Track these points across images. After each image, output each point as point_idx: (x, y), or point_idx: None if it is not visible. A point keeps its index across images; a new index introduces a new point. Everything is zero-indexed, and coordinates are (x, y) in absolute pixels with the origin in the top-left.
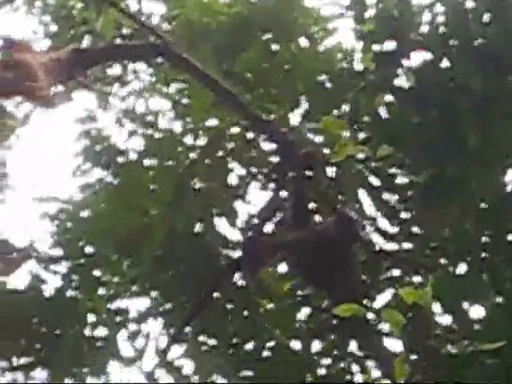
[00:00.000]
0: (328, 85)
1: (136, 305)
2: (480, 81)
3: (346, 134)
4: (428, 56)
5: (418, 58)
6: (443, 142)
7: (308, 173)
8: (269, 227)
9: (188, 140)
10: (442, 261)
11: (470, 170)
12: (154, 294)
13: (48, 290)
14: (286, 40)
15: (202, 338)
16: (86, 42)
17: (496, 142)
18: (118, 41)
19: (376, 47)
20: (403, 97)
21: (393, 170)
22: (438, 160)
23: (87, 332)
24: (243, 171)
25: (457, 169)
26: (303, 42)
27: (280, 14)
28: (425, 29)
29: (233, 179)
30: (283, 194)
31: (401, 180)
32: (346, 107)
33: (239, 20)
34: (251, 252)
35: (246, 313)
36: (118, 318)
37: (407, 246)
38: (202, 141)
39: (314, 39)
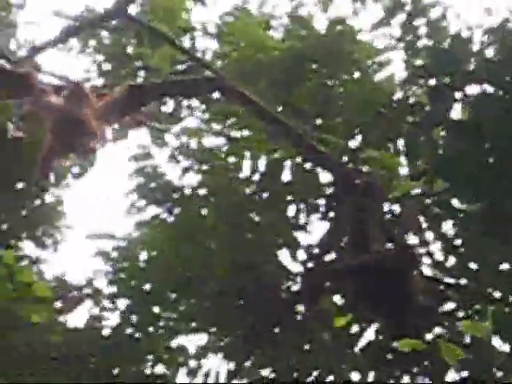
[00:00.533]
0: (383, 116)
1: (195, 341)
2: None
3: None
4: (482, 88)
5: (472, 90)
6: (501, 176)
7: (366, 202)
8: (329, 257)
9: (245, 173)
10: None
11: None
12: (213, 329)
13: (106, 328)
14: (340, 73)
15: (262, 373)
16: (139, 79)
17: None
18: (173, 77)
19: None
20: (459, 130)
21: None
22: (495, 194)
23: (147, 370)
24: (302, 203)
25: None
26: (357, 74)
27: (332, 47)
28: (477, 60)
29: (292, 211)
30: (342, 223)
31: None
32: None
33: (292, 55)
34: (311, 282)
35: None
36: (178, 356)
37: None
38: (258, 174)
39: (367, 72)
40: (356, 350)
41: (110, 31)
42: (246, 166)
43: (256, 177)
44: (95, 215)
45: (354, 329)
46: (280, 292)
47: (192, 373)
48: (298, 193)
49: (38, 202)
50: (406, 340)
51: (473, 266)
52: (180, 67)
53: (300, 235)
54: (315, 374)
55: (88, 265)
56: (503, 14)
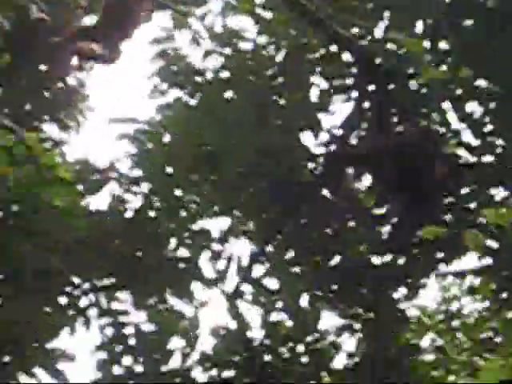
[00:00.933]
0: None
1: (218, 225)
2: None
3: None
4: None
5: None
6: None
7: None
8: (352, 139)
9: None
10: None
11: None
12: (235, 213)
13: (129, 211)
14: None
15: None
16: None
17: None
18: None
19: None
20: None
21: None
22: None
23: (169, 253)
24: (325, 84)
25: None
26: None
27: None
28: None
29: (315, 93)
30: (365, 105)
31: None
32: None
33: None
34: (334, 164)
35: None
36: (200, 239)
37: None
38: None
39: None
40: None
41: None
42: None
43: (280, 57)
44: (118, 98)
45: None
46: (303, 174)
47: (214, 256)
48: (322, 73)
49: (60, 84)
50: (430, 228)
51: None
52: None
53: (323, 117)
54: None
55: (111, 148)
56: None
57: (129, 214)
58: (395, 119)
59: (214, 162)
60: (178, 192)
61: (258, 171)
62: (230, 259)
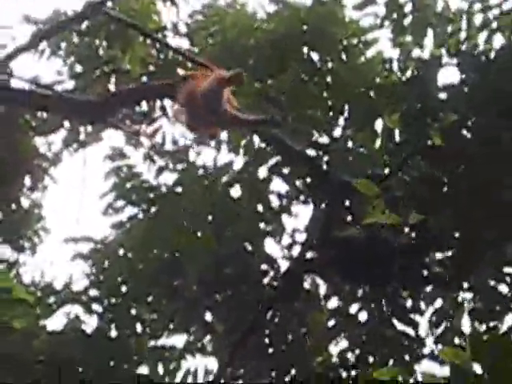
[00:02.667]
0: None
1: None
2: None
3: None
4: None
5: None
6: (476, 204)
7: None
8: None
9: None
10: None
11: (505, 230)
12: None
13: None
14: (324, 53)
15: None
16: (111, 81)
17: None
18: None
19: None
20: (433, 157)
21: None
22: (471, 222)
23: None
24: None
25: (491, 231)
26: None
27: (319, 27)
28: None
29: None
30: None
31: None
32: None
33: (277, 37)
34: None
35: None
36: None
37: None
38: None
39: (353, 51)
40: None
41: (81, 34)
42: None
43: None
44: (73, 217)
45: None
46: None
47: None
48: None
49: (14, 205)
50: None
51: None
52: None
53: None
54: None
55: (67, 268)
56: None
57: (88, 334)
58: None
59: (170, 275)
60: (135, 310)
61: (216, 281)
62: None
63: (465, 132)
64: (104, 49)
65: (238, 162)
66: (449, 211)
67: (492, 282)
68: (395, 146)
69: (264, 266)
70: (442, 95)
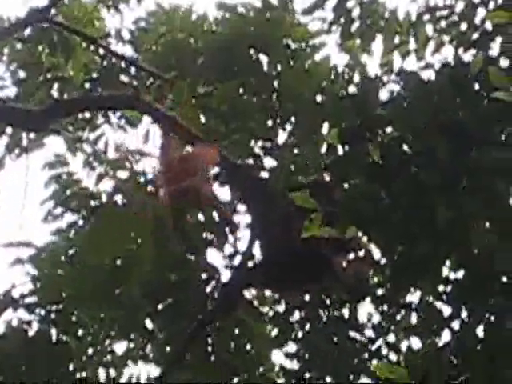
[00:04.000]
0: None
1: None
2: (446, 155)
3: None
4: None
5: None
6: (412, 220)
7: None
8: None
9: None
10: None
11: (438, 251)
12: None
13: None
14: (273, 58)
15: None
16: (54, 89)
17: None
18: (87, 85)
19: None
20: (371, 173)
21: None
22: (406, 238)
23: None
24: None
25: (426, 247)
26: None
27: (266, 31)
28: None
29: None
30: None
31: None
32: None
33: (224, 40)
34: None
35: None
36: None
37: None
38: None
39: (300, 56)
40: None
41: (23, 41)
42: None
43: None
44: (12, 223)
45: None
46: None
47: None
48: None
49: None
50: None
51: None
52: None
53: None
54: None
55: (7, 274)
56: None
57: (29, 338)
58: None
59: (111, 282)
60: (76, 315)
61: (158, 289)
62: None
63: (405, 149)
64: (46, 56)
65: None
66: (385, 227)
67: (430, 299)
68: (336, 159)
69: (205, 275)
70: (383, 111)
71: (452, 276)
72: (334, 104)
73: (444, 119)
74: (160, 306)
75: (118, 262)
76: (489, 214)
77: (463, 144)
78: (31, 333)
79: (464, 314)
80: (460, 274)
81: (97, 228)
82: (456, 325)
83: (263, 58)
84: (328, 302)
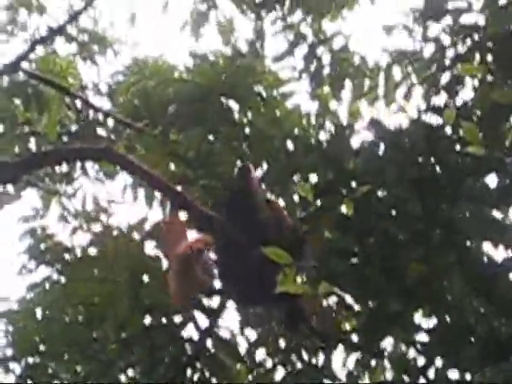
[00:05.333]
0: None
1: None
2: (418, 210)
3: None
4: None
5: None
6: (383, 276)
7: None
8: None
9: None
10: None
11: (410, 304)
12: None
13: None
14: (243, 106)
15: None
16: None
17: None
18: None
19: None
20: (344, 228)
21: None
22: (378, 295)
23: None
24: None
25: (397, 304)
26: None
27: (237, 79)
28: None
29: None
30: None
31: None
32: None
33: (198, 87)
34: None
35: None
36: None
37: None
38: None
39: (270, 103)
40: None
41: None
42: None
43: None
44: None
45: None
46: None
47: None
48: None
49: None
50: None
51: None
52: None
53: None
54: None
55: None
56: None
57: None
58: None
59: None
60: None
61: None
62: None
63: (376, 203)
64: (21, 111)
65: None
66: (357, 283)
67: (403, 347)
68: (309, 213)
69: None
70: (354, 164)
71: (424, 325)
72: (305, 153)
73: (416, 173)
74: (136, 352)
75: (93, 305)
76: (461, 268)
77: (435, 198)
78: None
79: (438, 363)
80: (432, 322)
81: (70, 278)
82: (431, 373)
83: (234, 106)
84: (303, 348)
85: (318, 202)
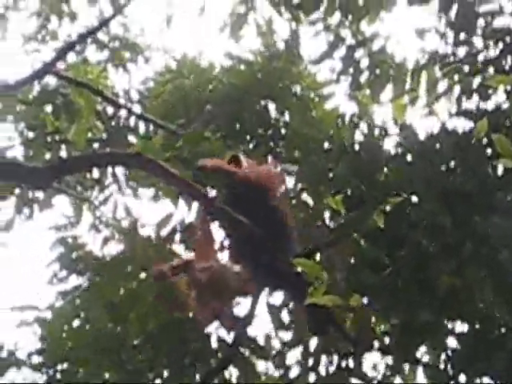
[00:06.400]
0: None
1: None
2: (450, 222)
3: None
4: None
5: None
6: (414, 287)
7: None
8: None
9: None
10: None
11: (441, 315)
12: None
13: None
14: (282, 106)
15: None
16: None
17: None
18: (95, 145)
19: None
20: (375, 238)
21: None
22: (409, 306)
23: None
24: None
25: (428, 315)
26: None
27: (274, 80)
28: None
29: None
30: None
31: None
32: None
33: (235, 88)
34: None
35: None
36: None
37: None
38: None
39: (309, 105)
40: None
41: (29, 103)
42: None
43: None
44: (18, 286)
45: None
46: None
47: None
48: None
49: None
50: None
51: None
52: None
53: None
54: None
55: (11, 336)
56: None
57: None
58: None
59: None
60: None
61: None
62: None
63: (407, 214)
64: (50, 120)
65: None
66: (389, 296)
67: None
68: (341, 225)
69: None
70: (385, 173)
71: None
72: (339, 155)
73: (446, 183)
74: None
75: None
76: (492, 282)
77: (466, 211)
78: None
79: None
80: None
81: (96, 281)
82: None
83: (271, 106)
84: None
85: (349, 213)
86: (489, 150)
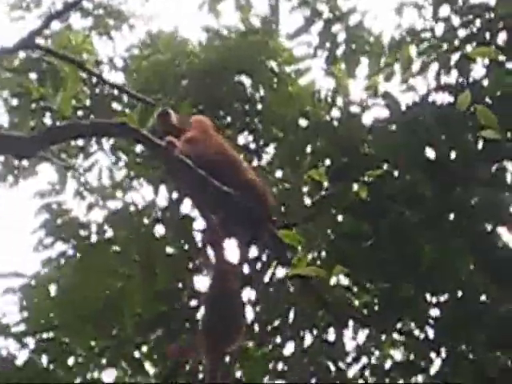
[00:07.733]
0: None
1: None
2: (431, 193)
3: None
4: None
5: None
6: (396, 259)
7: None
8: None
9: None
10: None
11: (422, 287)
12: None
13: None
14: (258, 82)
15: None
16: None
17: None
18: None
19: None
20: (356, 211)
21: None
22: (390, 278)
23: None
24: None
25: (409, 287)
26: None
27: (250, 55)
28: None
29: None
30: None
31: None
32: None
33: (211, 63)
34: None
35: None
36: None
37: None
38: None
39: (284, 79)
40: None
41: (12, 70)
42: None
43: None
44: (3, 253)
45: None
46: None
47: None
48: None
49: None
50: None
51: None
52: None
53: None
54: None
55: None
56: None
57: (17, 367)
58: None
59: (103, 313)
60: (67, 343)
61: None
62: None
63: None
64: (35, 87)
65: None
66: (370, 267)
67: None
68: (323, 197)
69: (194, 303)
70: (366, 144)
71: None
72: (316, 131)
73: (427, 154)
74: (152, 337)
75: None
76: (474, 252)
77: (448, 181)
78: (20, 362)
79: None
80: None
81: (86, 264)
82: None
83: (247, 81)
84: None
85: (330, 185)
86: (470, 123)
